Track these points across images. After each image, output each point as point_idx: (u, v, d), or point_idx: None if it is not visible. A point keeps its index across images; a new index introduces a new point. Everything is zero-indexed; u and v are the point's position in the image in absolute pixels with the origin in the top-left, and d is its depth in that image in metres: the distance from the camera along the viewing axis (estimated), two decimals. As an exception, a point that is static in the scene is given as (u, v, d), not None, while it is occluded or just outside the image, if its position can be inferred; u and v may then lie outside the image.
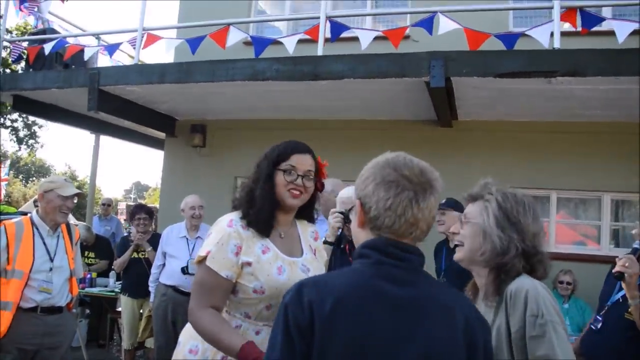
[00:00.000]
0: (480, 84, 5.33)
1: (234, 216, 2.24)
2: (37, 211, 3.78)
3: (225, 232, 2.17)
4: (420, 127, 6.98)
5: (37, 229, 3.69)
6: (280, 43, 6.14)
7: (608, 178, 6.44)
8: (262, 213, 2.18)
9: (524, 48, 5.19)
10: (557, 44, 5.17)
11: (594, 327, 3.03)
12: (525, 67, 4.98)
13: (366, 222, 1.45)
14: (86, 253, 7.26)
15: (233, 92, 6.44)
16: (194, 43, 6.32)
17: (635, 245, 2.91)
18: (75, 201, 3.82)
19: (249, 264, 2.13)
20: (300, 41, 6.17)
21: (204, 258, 2.15)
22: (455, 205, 4.25)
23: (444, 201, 4.27)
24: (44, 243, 3.67)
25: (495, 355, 1.71)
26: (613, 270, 2.78)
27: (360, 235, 1.49)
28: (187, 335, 2.28)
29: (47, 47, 7.05)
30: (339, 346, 1.28)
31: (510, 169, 6.60)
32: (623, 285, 2.77)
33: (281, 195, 2.19)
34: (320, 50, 5.84)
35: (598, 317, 3.00)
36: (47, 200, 3.70)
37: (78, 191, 3.79)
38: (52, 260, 3.66)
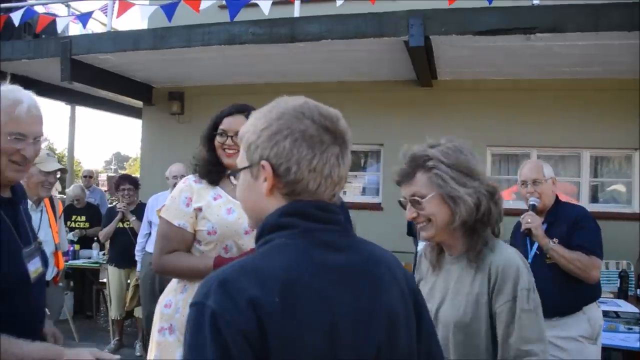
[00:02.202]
0: (459, 42, 5.29)
1: (190, 175, 2.55)
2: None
3: (178, 188, 2.47)
4: (401, 88, 6.95)
5: None
6: (257, 5, 6.02)
7: (587, 135, 6.48)
8: (206, 168, 2.45)
9: (504, 3, 5.14)
10: (536, 0, 5.13)
11: None
12: (504, 24, 4.94)
13: (279, 188, 1.15)
14: (74, 217, 7.21)
15: (210, 58, 6.34)
16: (169, 9, 6.16)
17: (532, 202, 3.19)
18: (59, 176, 3.74)
19: (199, 209, 2.38)
20: (276, 3, 6.08)
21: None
22: None
23: None
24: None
25: (471, 324, 1.73)
26: (521, 230, 3.09)
27: (266, 204, 1.17)
28: (164, 294, 2.53)
29: (16, 17, 6.83)
30: (303, 344, 1.02)
31: (490, 127, 6.62)
32: (534, 238, 3.08)
33: (219, 155, 2.45)
34: (297, 11, 5.75)
35: None
36: (29, 175, 3.54)
37: (60, 167, 3.69)
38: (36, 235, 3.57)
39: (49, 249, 3.63)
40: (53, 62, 6.52)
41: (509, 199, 6.86)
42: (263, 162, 1.14)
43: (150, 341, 2.50)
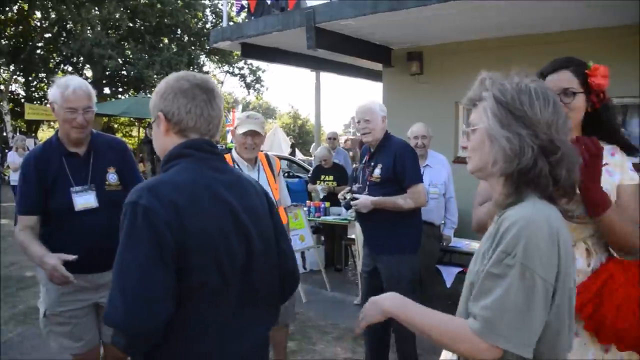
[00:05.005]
0: None
1: None
2: (235, 148, 3.92)
3: None
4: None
5: (238, 165, 3.83)
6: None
7: None
8: None
9: None
10: None
11: None
12: None
13: (171, 128, 1.72)
14: (323, 177, 7.80)
15: (447, 14, 6.19)
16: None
17: None
18: (261, 135, 3.79)
19: None
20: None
21: None
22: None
23: None
24: None
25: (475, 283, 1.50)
26: None
27: (167, 142, 1.74)
28: None
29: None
30: (207, 226, 1.58)
31: None
32: None
33: None
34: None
35: None
36: (234, 137, 3.87)
37: (249, 129, 3.73)
38: None
39: None
40: (299, 32, 6.97)
41: None
42: (158, 113, 1.73)
43: None
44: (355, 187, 4.24)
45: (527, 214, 1.42)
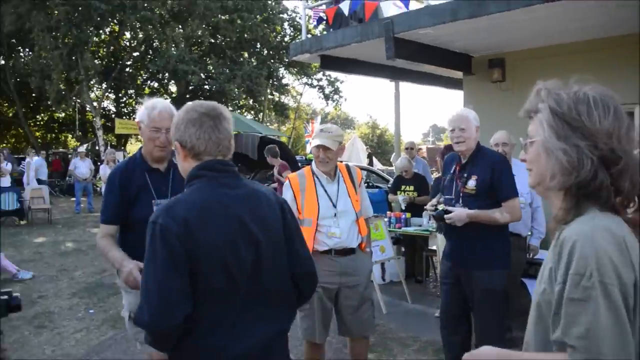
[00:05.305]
0: None
1: None
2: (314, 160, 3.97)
3: None
4: None
5: (317, 177, 3.87)
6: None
7: None
8: None
9: None
10: None
11: None
12: None
13: (187, 154, 1.99)
14: (403, 187, 7.72)
15: (531, 19, 6.01)
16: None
17: None
18: (331, 150, 3.75)
19: None
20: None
21: None
22: None
23: None
24: (325, 190, 3.83)
25: (545, 301, 1.45)
26: None
27: (186, 165, 2.02)
28: None
29: (344, 7, 7.52)
30: (217, 235, 1.85)
31: None
32: None
33: None
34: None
35: None
36: (311, 149, 3.95)
37: (319, 143, 3.75)
38: (335, 206, 3.81)
39: (350, 218, 3.83)
40: (377, 42, 6.96)
41: None
42: (175, 142, 2.03)
43: None
44: (443, 198, 4.13)
45: (586, 229, 1.37)
